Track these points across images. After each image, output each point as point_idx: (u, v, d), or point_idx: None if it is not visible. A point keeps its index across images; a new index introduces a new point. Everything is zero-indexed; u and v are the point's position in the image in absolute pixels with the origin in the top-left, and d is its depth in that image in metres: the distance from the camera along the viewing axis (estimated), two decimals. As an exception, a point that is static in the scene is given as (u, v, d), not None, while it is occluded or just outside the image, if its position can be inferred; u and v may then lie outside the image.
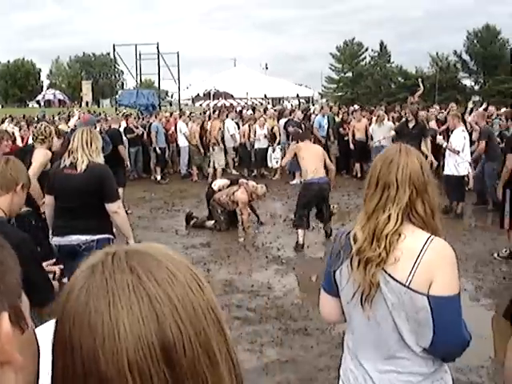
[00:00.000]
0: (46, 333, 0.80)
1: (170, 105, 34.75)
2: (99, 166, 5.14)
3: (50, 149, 6.59)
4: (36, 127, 7.05)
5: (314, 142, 16.17)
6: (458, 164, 10.42)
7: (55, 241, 5.02)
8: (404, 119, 13.20)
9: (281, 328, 5.77)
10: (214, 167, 16.22)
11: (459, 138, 10.54)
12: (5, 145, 6.76)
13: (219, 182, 11.13)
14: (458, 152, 10.40)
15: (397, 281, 2.12)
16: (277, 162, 16.50)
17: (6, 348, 0.65)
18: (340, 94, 71.47)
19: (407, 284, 2.10)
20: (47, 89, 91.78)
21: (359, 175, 15.57)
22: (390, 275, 2.13)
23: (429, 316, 2.09)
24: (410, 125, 12.05)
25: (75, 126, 10.51)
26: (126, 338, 0.70)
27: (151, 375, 0.69)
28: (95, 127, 10.59)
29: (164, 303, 0.72)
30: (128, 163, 12.44)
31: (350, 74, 72.33)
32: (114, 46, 27.70)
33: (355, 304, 2.23)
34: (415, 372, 2.20)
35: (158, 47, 27.65)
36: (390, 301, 2.14)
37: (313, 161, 8.82)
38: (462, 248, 8.46)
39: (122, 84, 49.02)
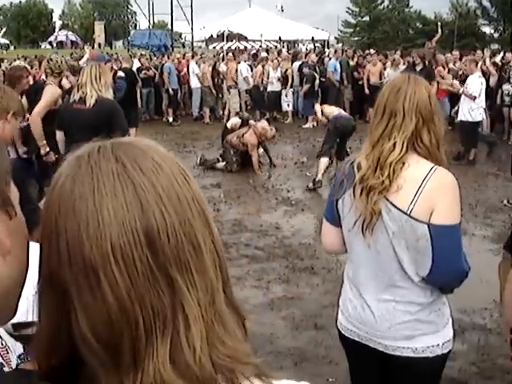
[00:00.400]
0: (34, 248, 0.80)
1: (183, 46, 34.25)
2: (108, 101, 5.14)
3: (60, 84, 6.54)
4: (48, 61, 6.97)
5: (328, 86, 16.03)
6: (473, 109, 10.28)
7: None
8: (411, 62, 12.91)
9: (288, 266, 5.84)
10: (229, 110, 16.12)
11: (476, 83, 10.36)
12: (24, 82, 6.73)
13: (232, 120, 11.25)
14: (475, 98, 10.24)
15: (398, 209, 2.12)
16: (288, 105, 16.35)
17: None
18: (357, 38, 69.98)
19: (408, 212, 2.11)
20: (59, 30, 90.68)
21: (373, 120, 15.48)
22: (391, 203, 2.13)
23: (428, 244, 2.10)
24: (418, 68, 11.79)
25: (86, 64, 10.40)
26: (109, 223, 0.70)
27: (134, 260, 0.70)
28: (105, 62, 10.54)
29: (148, 191, 0.72)
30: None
31: (367, 19, 70.68)
32: (126, -16, 27.28)
33: (356, 232, 2.24)
34: (413, 301, 2.23)
35: (171, -14, 27.19)
36: (391, 229, 2.15)
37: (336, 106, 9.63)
38: (473, 194, 8.46)
39: (135, 25, 48.31)
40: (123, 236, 0.70)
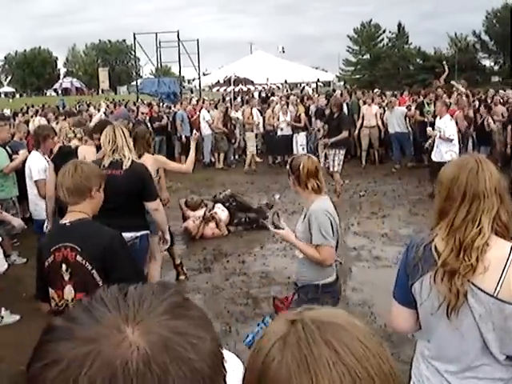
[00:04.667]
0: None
1: (192, 92, 34.68)
2: (140, 167, 5.17)
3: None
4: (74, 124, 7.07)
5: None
6: (446, 152, 10.32)
7: None
8: (330, 111, 12.91)
9: (322, 321, 5.81)
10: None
11: (451, 125, 10.57)
12: (50, 142, 6.82)
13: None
14: (452, 140, 10.40)
15: (485, 292, 2.13)
16: (303, 148, 16.37)
17: None
18: (358, 76, 70.83)
19: (495, 294, 2.12)
20: (64, 77, 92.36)
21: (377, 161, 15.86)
22: (477, 287, 2.14)
23: None
24: (335, 116, 11.96)
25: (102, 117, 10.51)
26: None
27: None
28: (129, 121, 10.65)
29: (364, 378, 0.75)
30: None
31: (367, 56, 71.63)
32: (134, 34, 27.72)
33: (440, 315, 2.24)
34: (496, 377, 2.23)
35: (178, 35, 27.63)
36: (478, 312, 2.15)
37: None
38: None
39: (139, 70, 48.96)
40: None
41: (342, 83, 66.77)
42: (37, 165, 6.83)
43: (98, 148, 5.97)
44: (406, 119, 14.93)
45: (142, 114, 14.68)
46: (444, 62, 20.24)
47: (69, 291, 3.08)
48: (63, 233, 3.14)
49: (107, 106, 14.34)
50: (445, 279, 2.18)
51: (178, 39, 27.49)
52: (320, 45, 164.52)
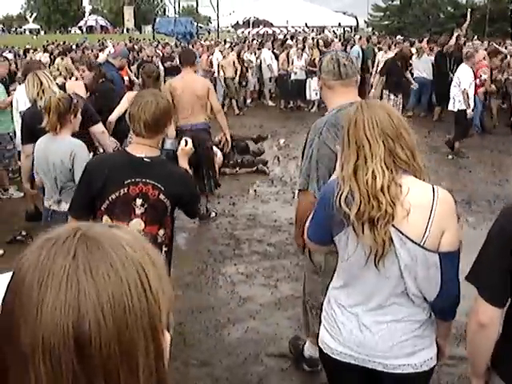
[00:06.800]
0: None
1: (209, 33, 34.10)
2: (72, 95, 5.11)
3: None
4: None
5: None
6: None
7: None
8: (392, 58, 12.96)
9: (298, 264, 5.82)
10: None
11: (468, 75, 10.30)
12: None
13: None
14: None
15: (413, 241, 2.11)
16: (316, 93, 16.13)
17: None
18: (387, 22, 68.91)
19: (422, 243, 2.10)
20: (89, 14, 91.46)
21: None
22: (405, 236, 2.10)
23: (438, 272, 2.12)
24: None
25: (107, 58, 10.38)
26: (46, 320, 0.72)
27: (60, 361, 0.72)
28: (128, 58, 10.49)
29: (90, 298, 0.73)
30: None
31: (397, 2, 69.48)
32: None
33: (368, 266, 2.20)
34: (413, 319, 2.26)
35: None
36: (404, 261, 2.13)
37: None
38: (493, 189, 8.35)
39: (164, 10, 47.98)
40: (54, 336, 0.71)
41: (370, 29, 65.10)
42: (23, 97, 6.79)
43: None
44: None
45: (148, 56, 14.43)
46: (469, 11, 19.54)
47: (136, 224, 3.04)
48: (142, 168, 3.06)
49: (113, 46, 14.09)
50: (366, 230, 2.11)
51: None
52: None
